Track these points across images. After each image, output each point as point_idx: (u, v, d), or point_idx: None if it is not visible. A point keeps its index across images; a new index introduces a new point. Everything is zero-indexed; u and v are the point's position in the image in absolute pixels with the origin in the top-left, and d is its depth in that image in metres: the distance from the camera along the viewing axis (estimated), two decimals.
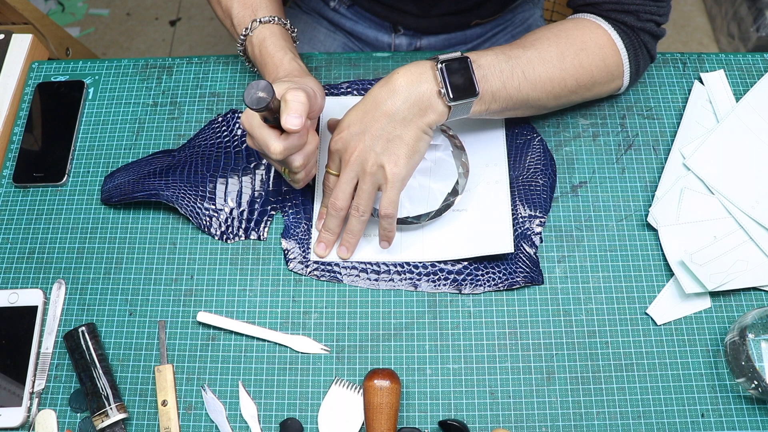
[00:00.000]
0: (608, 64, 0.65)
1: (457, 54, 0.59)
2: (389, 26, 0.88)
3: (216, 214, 0.68)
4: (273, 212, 0.68)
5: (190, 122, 0.74)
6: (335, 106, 0.73)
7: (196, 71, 0.77)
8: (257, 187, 0.69)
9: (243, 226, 0.67)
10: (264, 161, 0.70)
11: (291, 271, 0.66)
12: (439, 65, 0.58)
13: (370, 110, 0.59)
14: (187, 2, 1.87)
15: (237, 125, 0.72)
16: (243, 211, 0.68)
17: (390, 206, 0.60)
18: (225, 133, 0.72)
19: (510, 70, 0.61)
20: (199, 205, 0.67)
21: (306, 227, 0.67)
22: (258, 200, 0.68)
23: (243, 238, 0.67)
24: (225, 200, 0.68)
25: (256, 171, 0.69)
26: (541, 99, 0.64)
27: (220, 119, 0.73)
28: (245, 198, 0.68)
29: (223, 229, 0.67)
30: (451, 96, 0.57)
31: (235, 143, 0.71)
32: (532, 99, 0.63)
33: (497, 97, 0.61)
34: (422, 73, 0.58)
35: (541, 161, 0.69)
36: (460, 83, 0.57)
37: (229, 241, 0.67)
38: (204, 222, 0.67)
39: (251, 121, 0.57)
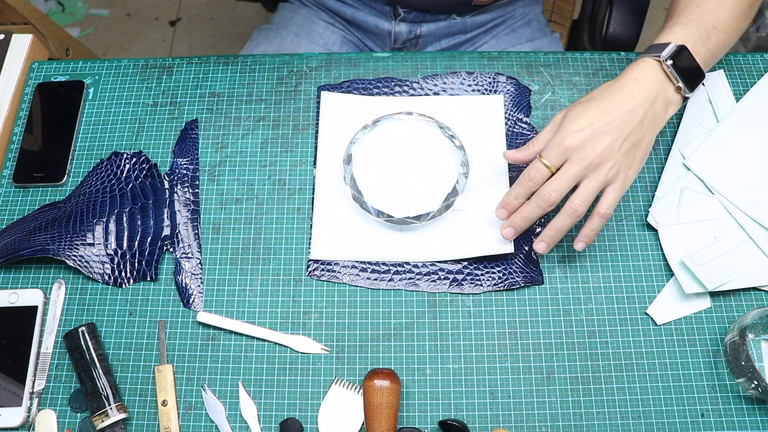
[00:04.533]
0: None
1: (673, 46, 0.61)
2: (389, 11, 0.88)
3: (107, 259, 0.66)
4: (164, 249, 0.67)
5: None
6: (338, 104, 0.73)
7: (196, 71, 0.77)
8: (146, 227, 0.68)
9: (136, 267, 0.66)
10: (151, 200, 0.69)
11: (193, 310, 0.65)
12: (668, 62, 0.60)
13: (613, 112, 0.59)
14: (187, 2, 1.87)
15: (120, 168, 0.71)
16: (135, 252, 0.67)
17: (612, 207, 0.60)
18: (110, 177, 0.70)
19: (705, 33, 0.63)
20: (87, 253, 0.66)
21: (197, 262, 0.66)
22: (146, 240, 0.67)
23: (137, 281, 0.66)
24: (114, 244, 0.67)
25: (145, 210, 0.68)
26: (731, 37, 0.66)
27: (103, 164, 0.72)
28: (135, 239, 0.67)
29: (116, 274, 0.66)
30: (690, 89, 0.61)
31: (120, 185, 0.70)
32: (726, 43, 0.65)
33: (707, 62, 0.63)
34: (656, 75, 0.61)
35: None
36: (690, 74, 0.61)
37: (123, 286, 0.66)
38: (96, 269, 0.66)
39: None
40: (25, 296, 0.66)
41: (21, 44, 0.80)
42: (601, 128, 0.59)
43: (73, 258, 0.66)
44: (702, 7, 0.64)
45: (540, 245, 0.62)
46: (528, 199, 0.62)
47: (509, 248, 0.64)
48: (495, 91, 0.74)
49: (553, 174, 0.60)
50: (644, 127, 0.60)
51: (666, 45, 0.61)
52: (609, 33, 0.89)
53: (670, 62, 0.60)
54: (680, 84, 0.61)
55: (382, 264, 0.66)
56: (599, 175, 0.59)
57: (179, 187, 0.70)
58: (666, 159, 0.70)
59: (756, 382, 0.58)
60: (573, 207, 0.60)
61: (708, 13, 0.63)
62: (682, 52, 0.61)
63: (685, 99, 0.63)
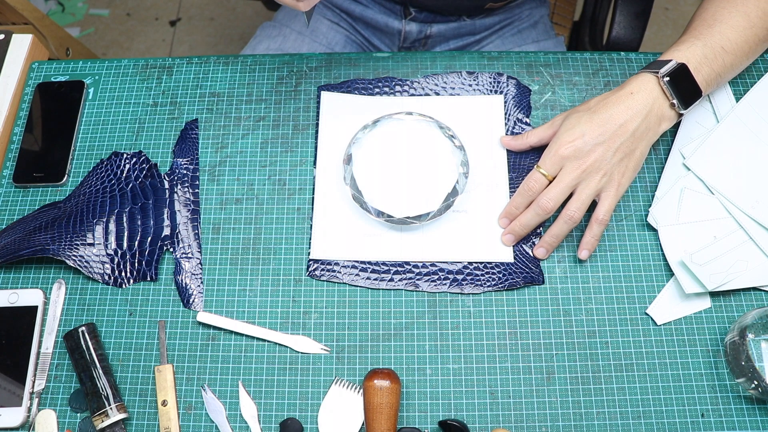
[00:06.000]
0: None
1: (673, 64, 0.62)
2: (400, 10, 0.88)
3: (107, 260, 0.66)
4: (164, 249, 0.67)
5: None
6: (338, 104, 0.73)
7: (196, 71, 0.77)
8: (146, 227, 0.68)
9: (136, 267, 0.66)
10: (151, 200, 0.69)
11: (193, 310, 0.65)
12: (665, 79, 0.62)
13: (606, 124, 0.62)
14: (187, 2, 1.87)
15: (120, 168, 0.71)
16: (135, 252, 0.67)
17: (608, 213, 0.63)
18: (110, 177, 0.70)
19: (712, 54, 0.63)
20: (87, 253, 0.66)
21: (197, 262, 0.66)
22: (146, 240, 0.67)
23: (137, 281, 0.66)
24: (114, 244, 0.67)
25: (145, 210, 0.68)
26: (742, 62, 0.66)
27: (103, 164, 0.71)
28: (135, 239, 0.67)
29: (116, 274, 0.66)
30: (685, 106, 0.63)
31: (120, 185, 0.70)
32: (735, 65, 0.66)
33: (710, 82, 0.64)
34: (651, 90, 0.62)
35: None
36: (687, 92, 0.62)
37: (123, 286, 0.66)
38: (96, 269, 0.66)
39: None
40: (25, 296, 0.66)
41: (21, 44, 0.80)
42: (594, 139, 0.62)
43: (73, 258, 0.66)
44: (713, 28, 0.64)
45: (539, 250, 0.65)
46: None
47: (509, 257, 0.65)
48: (495, 91, 0.74)
49: (550, 182, 0.63)
50: (636, 139, 0.62)
51: (667, 62, 0.62)
52: (612, 36, 0.89)
53: (666, 79, 0.62)
54: (674, 101, 0.62)
55: (382, 264, 0.66)
56: (592, 183, 0.62)
57: (179, 187, 0.70)
58: (666, 159, 0.70)
59: (756, 382, 0.58)
60: (569, 213, 0.63)
61: (718, 35, 0.64)
62: (681, 70, 0.62)
63: (680, 115, 0.64)
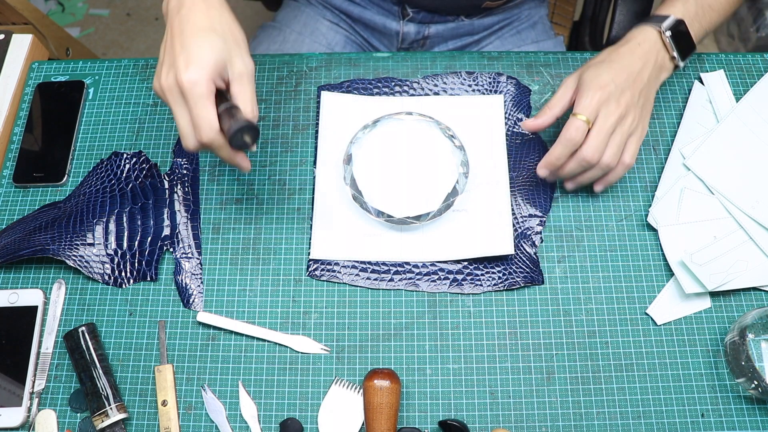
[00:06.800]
0: None
1: (672, 19, 0.65)
2: (398, 11, 0.88)
3: (107, 260, 0.66)
4: (164, 249, 0.67)
5: None
6: (338, 104, 0.73)
7: None
8: (146, 227, 0.68)
9: (136, 267, 0.66)
10: (151, 200, 0.69)
11: (193, 310, 0.65)
12: (667, 33, 0.65)
13: (626, 71, 0.63)
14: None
15: (120, 168, 0.71)
16: (135, 252, 0.67)
17: (634, 157, 0.64)
18: (110, 177, 0.70)
19: (702, 11, 0.68)
20: (87, 253, 0.66)
21: (197, 262, 0.66)
22: (146, 240, 0.67)
23: (137, 281, 0.66)
24: (114, 244, 0.67)
25: (145, 210, 0.68)
26: (723, 18, 0.71)
27: (103, 164, 0.72)
28: (135, 239, 0.67)
29: (116, 274, 0.66)
30: (683, 59, 0.66)
31: (120, 185, 0.70)
32: (716, 23, 0.70)
33: (699, 38, 0.68)
34: (655, 42, 0.65)
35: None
36: (684, 46, 0.66)
37: (123, 286, 0.66)
38: (96, 269, 0.66)
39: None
40: (25, 296, 0.66)
41: (21, 44, 0.80)
42: (622, 84, 0.63)
43: (73, 258, 0.66)
44: None
45: (569, 184, 0.67)
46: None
47: (509, 249, 0.64)
48: (495, 91, 0.74)
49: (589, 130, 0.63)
50: (650, 85, 0.65)
51: (666, 17, 0.65)
52: (612, 36, 0.89)
53: (668, 33, 0.64)
54: (675, 54, 0.65)
55: (382, 264, 0.66)
56: (624, 127, 0.63)
57: (179, 187, 0.70)
58: (666, 159, 0.70)
59: (756, 382, 0.58)
60: (606, 161, 0.63)
61: None
62: (679, 25, 0.65)
63: (677, 67, 0.67)
